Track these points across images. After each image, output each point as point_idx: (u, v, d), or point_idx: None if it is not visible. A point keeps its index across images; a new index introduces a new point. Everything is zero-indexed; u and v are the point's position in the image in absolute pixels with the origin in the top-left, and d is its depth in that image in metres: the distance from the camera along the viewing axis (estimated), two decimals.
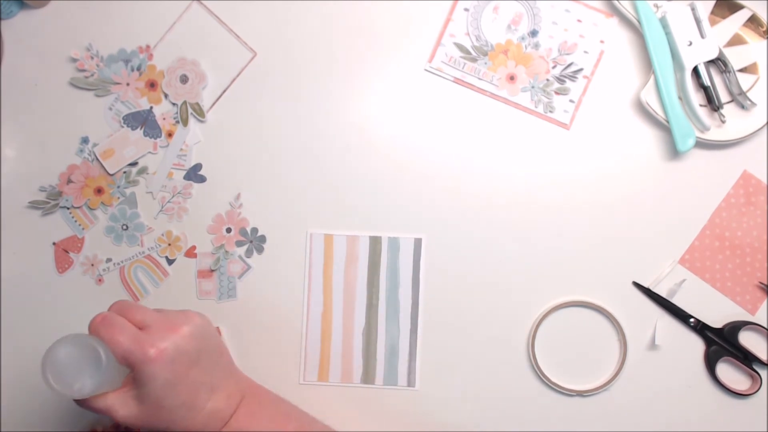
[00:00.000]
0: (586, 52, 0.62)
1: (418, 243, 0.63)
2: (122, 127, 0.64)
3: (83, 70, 0.64)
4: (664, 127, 0.61)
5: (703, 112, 0.59)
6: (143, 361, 0.47)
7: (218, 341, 0.53)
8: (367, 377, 0.63)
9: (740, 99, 0.59)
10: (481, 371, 0.62)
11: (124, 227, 0.64)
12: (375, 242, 0.63)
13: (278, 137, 0.64)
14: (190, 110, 0.64)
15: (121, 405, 0.48)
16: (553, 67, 0.62)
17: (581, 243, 0.62)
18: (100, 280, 0.64)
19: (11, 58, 0.65)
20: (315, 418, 0.57)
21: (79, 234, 0.64)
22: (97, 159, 0.64)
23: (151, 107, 0.64)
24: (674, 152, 0.61)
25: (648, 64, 0.61)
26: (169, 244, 0.64)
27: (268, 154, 0.64)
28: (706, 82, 0.60)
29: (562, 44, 0.62)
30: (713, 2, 0.60)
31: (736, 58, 0.60)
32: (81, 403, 0.49)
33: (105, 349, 0.47)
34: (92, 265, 0.64)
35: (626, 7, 0.60)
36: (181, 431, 0.49)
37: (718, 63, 0.60)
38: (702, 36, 0.59)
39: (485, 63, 0.62)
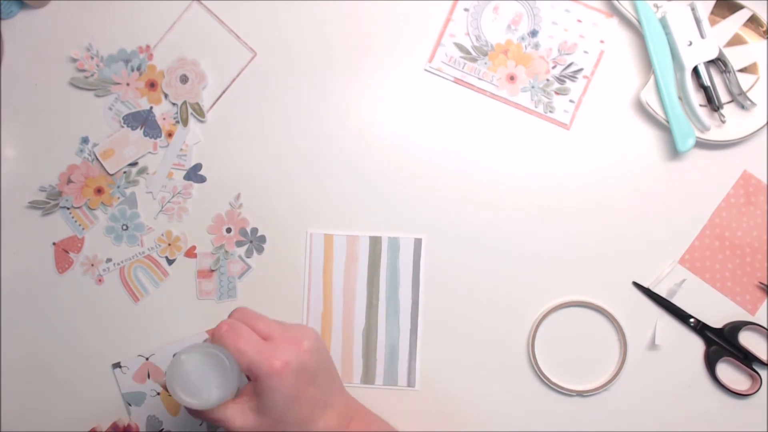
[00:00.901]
0: (586, 52, 0.62)
1: (418, 243, 0.63)
2: (122, 127, 0.64)
3: (83, 70, 0.64)
4: (664, 127, 0.61)
5: (703, 112, 0.59)
6: (268, 374, 0.46)
7: (331, 359, 0.52)
8: (367, 377, 0.63)
9: (740, 99, 0.59)
10: (481, 371, 0.62)
11: (124, 227, 0.64)
12: (375, 242, 0.63)
13: (278, 137, 0.64)
14: (190, 110, 0.64)
15: (239, 416, 0.47)
16: (553, 67, 0.62)
17: (581, 243, 0.62)
18: (100, 280, 0.64)
19: (11, 58, 0.65)
20: None
21: (79, 234, 0.64)
22: (97, 159, 0.64)
23: (151, 107, 0.64)
24: (674, 152, 0.61)
25: (648, 64, 0.61)
26: (169, 244, 0.64)
27: (268, 154, 0.64)
28: (706, 82, 0.60)
29: (562, 44, 0.62)
30: (713, 2, 0.60)
31: (736, 58, 0.60)
32: (196, 413, 0.48)
33: (230, 358, 0.46)
34: (92, 265, 0.64)
35: (626, 7, 0.60)
36: None
37: (718, 63, 0.60)
38: (702, 36, 0.59)
39: (485, 63, 0.62)
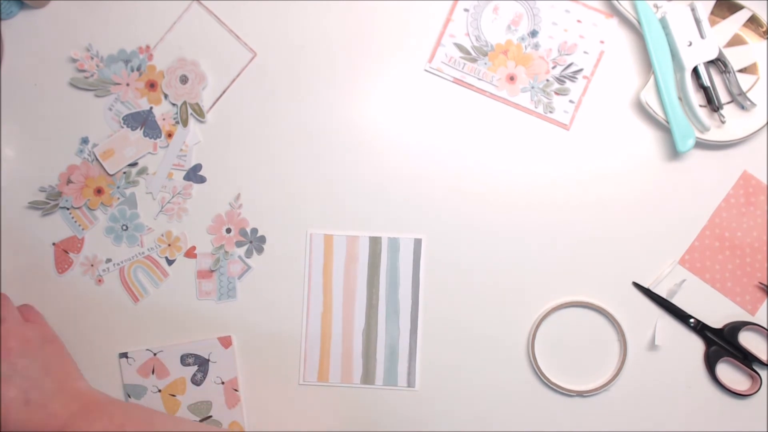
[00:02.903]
0: (586, 52, 0.62)
1: (418, 243, 0.63)
2: (122, 127, 0.64)
3: (83, 71, 0.64)
4: (664, 128, 0.61)
5: (703, 113, 0.60)
6: None
7: (60, 350, 0.58)
8: (367, 378, 0.63)
9: (740, 99, 0.59)
10: (481, 371, 0.62)
11: (124, 228, 0.64)
12: (375, 242, 0.63)
13: (278, 137, 0.64)
14: (189, 111, 0.64)
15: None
16: (553, 67, 0.62)
17: (581, 243, 0.62)
18: (99, 281, 0.64)
19: (11, 58, 0.65)
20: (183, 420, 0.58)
21: (78, 234, 0.64)
22: (97, 159, 0.64)
23: (151, 107, 0.64)
24: (674, 153, 0.61)
25: (648, 65, 0.61)
26: (169, 245, 0.64)
27: (268, 155, 0.64)
28: (706, 82, 0.60)
29: (562, 45, 0.62)
30: (713, 2, 0.60)
31: (735, 58, 0.60)
32: None
33: None
34: (92, 265, 0.64)
35: (626, 8, 0.60)
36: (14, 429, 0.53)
37: (718, 63, 0.60)
38: (702, 36, 0.59)
39: (485, 63, 0.62)
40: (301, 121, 0.64)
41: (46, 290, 0.65)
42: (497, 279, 0.62)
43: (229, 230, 0.64)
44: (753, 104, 0.59)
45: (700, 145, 0.60)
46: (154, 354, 0.64)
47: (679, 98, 0.60)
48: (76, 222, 0.64)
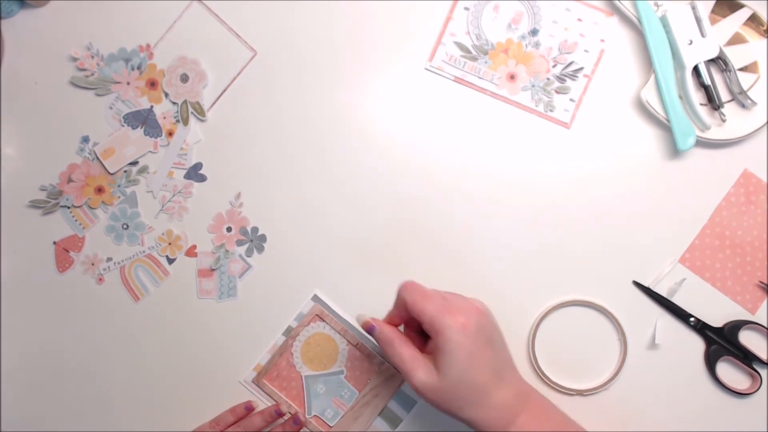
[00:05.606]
0: (586, 51, 0.62)
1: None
2: (123, 126, 0.64)
3: (83, 69, 0.64)
4: (665, 126, 0.61)
5: (703, 111, 0.59)
6: (453, 328, 0.47)
7: (501, 334, 0.52)
8: None
9: (741, 98, 0.59)
10: None
11: (125, 226, 0.64)
12: None
13: (278, 136, 0.64)
14: (190, 109, 0.64)
15: (422, 369, 0.49)
16: (554, 66, 0.62)
17: (581, 242, 0.62)
18: (100, 280, 0.64)
19: (11, 58, 0.65)
20: None
21: (79, 233, 0.65)
22: (98, 158, 0.64)
23: (152, 106, 0.64)
24: (675, 151, 0.61)
25: (648, 63, 0.61)
26: (170, 244, 0.64)
27: (269, 153, 0.64)
28: (707, 81, 0.60)
29: (562, 43, 0.62)
30: (713, 1, 0.60)
31: (736, 56, 0.60)
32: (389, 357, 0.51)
33: None
34: (93, 264, 0.64)
35: (627, 6, 0.60)
36: (469, 418, 0.49)
37: (719, 62, 0.60)
38: (702, 35, 0.59)
39: (486, 62, 0.62)
40: (302, 120, 0.64)
41: (47, 289, 0.65)
42: (497, 278, 0.62)
43: (229, 229, 0.64)
44: (753, 103, 0.59)
45: (701, 143, 0.60)
46: None
47: (680, 97, 0.60)
48: (76, 221, 0.64)
